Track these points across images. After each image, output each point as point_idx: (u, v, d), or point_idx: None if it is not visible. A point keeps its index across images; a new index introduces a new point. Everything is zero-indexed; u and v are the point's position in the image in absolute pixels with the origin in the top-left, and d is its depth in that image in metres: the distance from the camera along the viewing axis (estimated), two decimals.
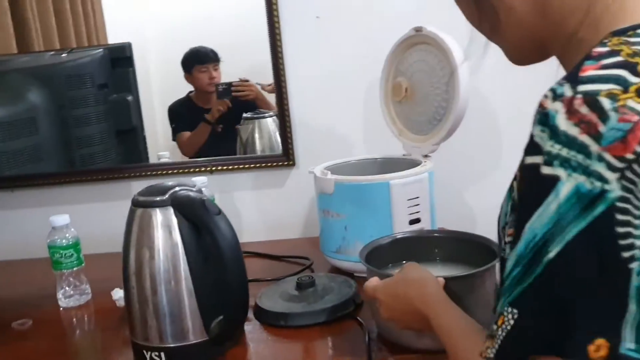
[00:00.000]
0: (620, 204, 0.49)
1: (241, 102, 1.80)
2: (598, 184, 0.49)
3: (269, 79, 1.66)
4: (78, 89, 1.85)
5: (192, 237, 1.01)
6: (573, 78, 0.52)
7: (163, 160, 1.83)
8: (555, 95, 0.52)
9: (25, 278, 1.55)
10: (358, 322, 1.09)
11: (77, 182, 1.69)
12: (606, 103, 0.49)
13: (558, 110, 0.51)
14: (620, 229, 0.49)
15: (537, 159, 0.52)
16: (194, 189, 1.05)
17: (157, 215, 1.01)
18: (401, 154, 1.45)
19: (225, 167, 1.68)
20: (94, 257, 1.42)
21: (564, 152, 0.50)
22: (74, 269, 1.30)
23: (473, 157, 1.62)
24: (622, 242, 0.49)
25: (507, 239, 0.58)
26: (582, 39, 0.61)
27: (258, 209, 1.70)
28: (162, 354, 1.01)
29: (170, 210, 1.01)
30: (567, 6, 0.61)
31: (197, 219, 0.99)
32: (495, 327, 0.56)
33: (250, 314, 1.16)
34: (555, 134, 0.51)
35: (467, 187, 1.65)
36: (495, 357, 0.56)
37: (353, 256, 1.27)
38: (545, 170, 0.51)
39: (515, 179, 0.59)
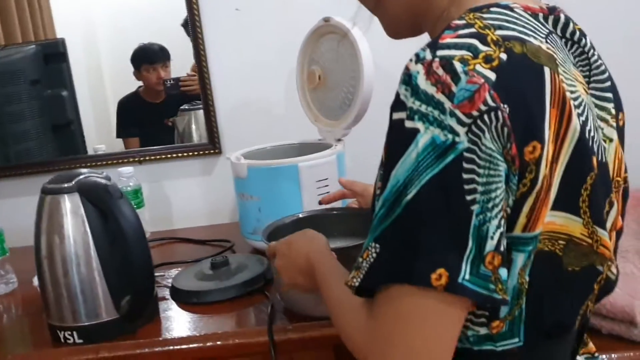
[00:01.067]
0: (467, 154, 0.56)
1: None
2: (450, 136, 0.55)
3: None
4: (11, 85, 1.87)
5: (99, 221, 1.06)
6: (433, 44, 0.59)
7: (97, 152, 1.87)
8: (418, 59, 0.59)
9: None
10: (265, 296, 1.16)
11: (6, 176, 1.71)
12: (458, 66, 0.56)
13: (419, 72, 0.58)
14: (466, 175, 0.56)
15: (402, 115, 0.58)
16: (101, 176, 1.10)
17: (65, 202, 1.06)
18: (317, 139, 1.52)
19: (155, 157, 1.73)
20: (21, 250, 1.45)
21: (423, 108, 0.56)
22: None
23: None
24: (467, 186, 0.56)
25: (377, 191, 0.64)
26: (448, 16, 0.68)
27: (187, 196, 1.75)
28: (75, 333, 1.07)
29: (77, 196, 1.06)
30: None
31: (102, 203, 1.04)
32: (360, 260, 0.62)
33: (168, 294, 1.23)
34: (416, 92, 0.57)
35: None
36: (359, 285, 0.62)
37: None
38: (408, 124, 0.57)
39: None
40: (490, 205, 0.56)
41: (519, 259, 0.60)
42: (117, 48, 1.87)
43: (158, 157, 1.73)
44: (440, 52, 0.58)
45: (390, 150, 0.60)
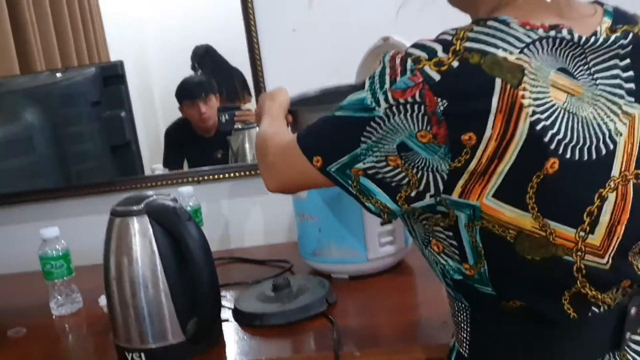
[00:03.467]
0: (377, 119, 0.74)
1: None
2: (374, 103, 0.74)
3: None
4: (72, 107, 1.92)
5: (167, 242, 1.07)
6: (416, 42, 0.75)
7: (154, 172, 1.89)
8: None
9: (19, 290, 1.62)
10: (329, 320, 1.15)
11: (69, 196, 1.75)
12: (409, 64, 0.72)
13: (391, 55, 0.75)
14: (368, 129, 0.75)
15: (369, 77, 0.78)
16: (168, 198, 1.12)
17: (134, 224, 1.08)
18: None
19: (211, 177, 1.74)
20: (85, 269, 1.48)
21: (376, 79, 0.75)
22: (65, 278, 1.37)
23: None
24: (364, 134, 0.75)
25: None
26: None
27: (244, 216, 1.76)
28: (143, 355, 1.08)
29: (146, 218, 1.08)
30: None
31: (170, 225, 1.05)
32: (308, 126, 0.85)
33: (230, 316, 1.23)
34: (382, 67, 0.75)
35: None
36: (297, 137, 0.85)
37: (328, 257, 1.34)
38: (366, 82, 0.77)
39: None
40: (372, 151, 0.76)
41: (461, 216, 0.76)
42: (168, 69, 1.91)
43: (215, 177, 1.74)
44: (409, 49, 0.73)
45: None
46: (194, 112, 1.83)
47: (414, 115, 0.72)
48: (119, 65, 1.91)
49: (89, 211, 1.75)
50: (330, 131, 0.82)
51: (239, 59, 1.74)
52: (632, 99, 0.76)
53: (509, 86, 0.69)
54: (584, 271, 0.75)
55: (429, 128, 0.71)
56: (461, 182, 0.73)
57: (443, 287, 0.88)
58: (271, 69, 1.66)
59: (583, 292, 0.76)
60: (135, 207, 1.08)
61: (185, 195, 1.60)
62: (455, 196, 0.74)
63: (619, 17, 0.79)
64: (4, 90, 1.90)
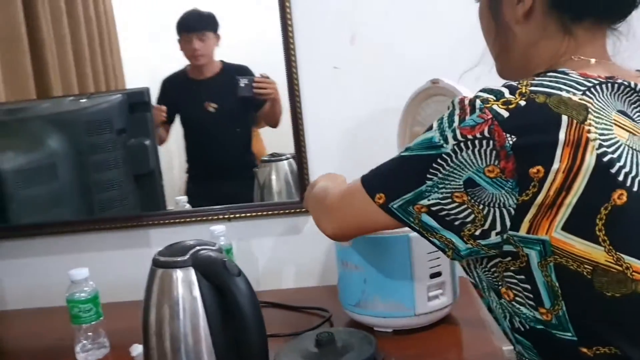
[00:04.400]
0: (444, 156, 0.77)
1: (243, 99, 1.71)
2: (442, 141, 0.77)
3: None
4: (97, 135, 1.86)
5: (212, 297, 1.00)
6: (482, 88, 0.79)
7: (180, 206, 1.83)
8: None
9: (43, 328, 1.55)
10: None
11: (95, 229, 1.69)
12: (478, 104, 0.76)
13: (457, 99, 0.79)
14: (435, 166, 0.78)
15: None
16: (214, 248, 1.05)
17: (178, 275, 1.01)
18: None
19: (243, 215, 1.68)
20: (111, 307, 1.42)
21: (444, 120, 0.79)
22: (93, 323, 1.30)
23: None
24: (431, 171, 0.78)
25: None
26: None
27: (275, 256, 1.69)
28: None
29: (191, 270, 1.01)
30: (542, 61, 0.87)
31: (219, 280, 0.99)
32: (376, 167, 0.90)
33: None
34: (450, 111, 0.79)
35: None
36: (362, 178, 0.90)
37: (372, 310, 1.27)
38: (434, 124, 0.80)
39: None
40: (438, 188, 0.78)
41: (532, 254, 0.75)
42: None
43: (247, 214, 1.68)
44: (478, 92, 0.78)
45: None
46: (188, 48, 1.69)
47: (482, 150, 0.75)
48: (145, 92, 1.84)
49: (114, 246, 1.69)
50: (396, 169, 0.85)
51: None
52: None
53: (575, 122, 0.73)
54: None
55: (497, 162, 0.74)
56: (529, 217, 0.74)
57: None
58: (310, 105, 1.61)
59: None
60: (180, 258, 1.02)
61: (218, 233, 1.54)
62: (523, 232, 0.75)
63: None
64: (26, 115, 1.84)
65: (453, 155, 0.76)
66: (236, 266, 1.00)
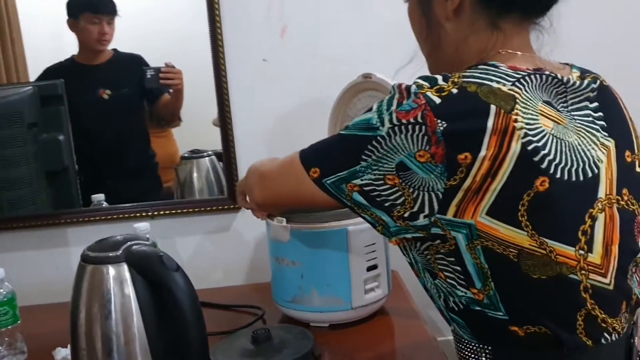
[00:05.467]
0: (379, 139, 0.79)
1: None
2: (378, 123, 0.79)
3: None
4: (6, 128, 1.74)
5: (148, 294, 0.95)
6: (420, 75, 0.82)
7: (97, 202, 1.74)
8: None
9: None
10: None
11: (8, 229, 1.58)
12: (413, 89, 0.78)
13: (396, 85, 0.81)
14: (369, 148, 0.80)
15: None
16: (147, 243, 1.00)
17: (110, 272, 0.95)
18: None
19: (167, 212, 1.62)
20: (28, 310, 1.33)
21: (383, 103, 0.80)
22: (9, 327, 1.20)
23: None
24: (365, 152, 0.80)
25: None
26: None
27: (202, 254, 1.64)
28: None
29: (124, 266, 0.95)
30: (471, 56, 0.88)
31: (155, 276, 0.93)
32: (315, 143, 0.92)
33: None
34: (390, 96, 0.80)
35: None
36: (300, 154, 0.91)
37: (309, 305, 1.26)
38: (373, 106, 0.82)
39: None
40: (371, 169, 0.80)
41: (459, 237, 0.78)
42: None
43: (172, 212, 1.62)
44: (416, 79, 0.80)
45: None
46: (93, 30, 1.58)
47: (415, 135, 0.77)
48: (59, 85, 1.75)
49: (30, 245, 1.59)
50: (333, 147, 0.87)
51: (201, 83, 1.63)
52: (606, 134, 0.84)
53: (502, 111, 0.76)
54: (590, 291, 0.78)
55: (427, 147, 0.76)
56: (455, 201, 0.77)
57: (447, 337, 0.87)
58: (239, 99, 1.57)
59: (593, 314, 0.79)
60: (112, 254, 0.96)
61: (142, 230, 1.47)
62: (450, 215, 0.78)
63: (585, 71, 0.90)
64: None
65: (387, 139, 0.78)
66: (174, 261, 0.95)
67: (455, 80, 0.79)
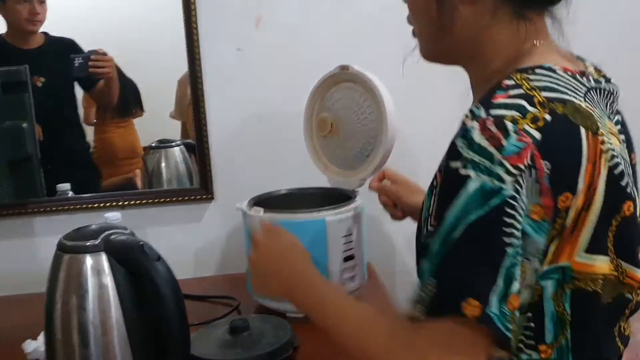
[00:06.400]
0: (510, 201, 0.63)
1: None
2: (497, 183, 0.63)
3: None
4: None
5: (127, 284, 0.93)
6: (487, 103, 0.67)
7: (62, 191, 1.69)
8: (474, 116, 0.67)
9: None
10: None
11: None
12: (509, 125, 0.65)
13: (474, 127, 0.65)
14: (507, 219, 0.63)
15: (457, 164, 0.66)
16: (126, 232, 0.98)
17: (88, 261, 0.93)
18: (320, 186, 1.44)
19: (138, 202, 1.59)
20: None
21: (476, 158, 0.64)
22: None
23: None
24: (506, 229, 0.63)
25: (430, 228, 0.73)
26: (495, 69, 0.76)
27: (174, 245, 1.60)
28: None
29: (103, 255, 0.93)
30: (499, 46, 0.77)
31: (136, 266, 0.92)
32: (422, 294, 0.68)
33: None
34: (471, 145, 0.65)
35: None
36: (427, 315, 0.67)
37: None
38: (462, 171, 0.65)
39: (435, 179, 0.77)
40: (520, 250, 0.64)
41: (548, 285, 0.69)
42: None
43: (143, 201, 1.59)
44: (493, 112, 0.66)
45: (445, 193, 0.68)
46: (23, 10, 1.48)
47: (530, 184, 0.64)
48: (23, 71, 1.69)
49: None
50: (465, 261, 0.65)
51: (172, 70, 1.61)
52: (625, 144, 0.78)
53: (590, 133, 0.68)
54: (633, 307, 0.77)
55: (538, 199, 0.65)
56: (552, 249, 0.68)
57: None
58: (213, 89, 1.55)
59: (621, 324, 0.78)
60: (90, 243, 0.93)
61: (113, 221, 1.44)
62: (545, 267, 0.68)
63: (595, 66, 0.82)
64: None
65: (518, 197, 0.63)
66: (155, 250, 0.94)
67: (541, 100, 0.67)
